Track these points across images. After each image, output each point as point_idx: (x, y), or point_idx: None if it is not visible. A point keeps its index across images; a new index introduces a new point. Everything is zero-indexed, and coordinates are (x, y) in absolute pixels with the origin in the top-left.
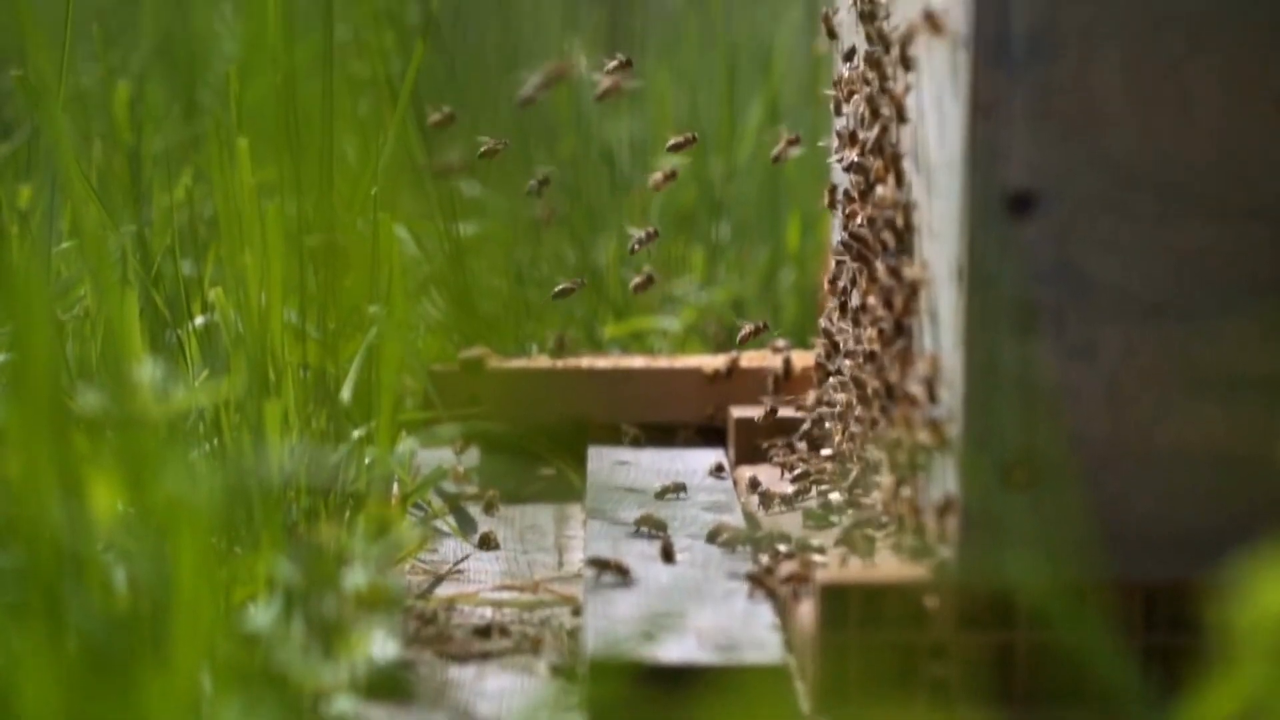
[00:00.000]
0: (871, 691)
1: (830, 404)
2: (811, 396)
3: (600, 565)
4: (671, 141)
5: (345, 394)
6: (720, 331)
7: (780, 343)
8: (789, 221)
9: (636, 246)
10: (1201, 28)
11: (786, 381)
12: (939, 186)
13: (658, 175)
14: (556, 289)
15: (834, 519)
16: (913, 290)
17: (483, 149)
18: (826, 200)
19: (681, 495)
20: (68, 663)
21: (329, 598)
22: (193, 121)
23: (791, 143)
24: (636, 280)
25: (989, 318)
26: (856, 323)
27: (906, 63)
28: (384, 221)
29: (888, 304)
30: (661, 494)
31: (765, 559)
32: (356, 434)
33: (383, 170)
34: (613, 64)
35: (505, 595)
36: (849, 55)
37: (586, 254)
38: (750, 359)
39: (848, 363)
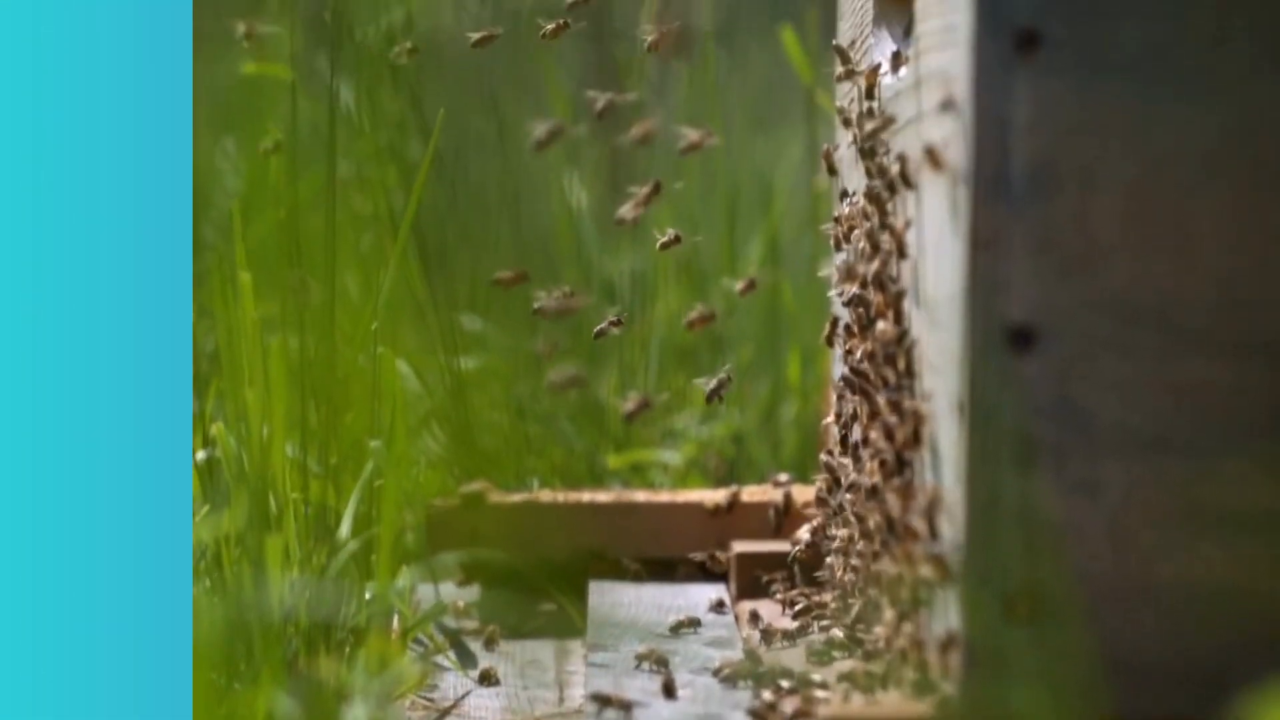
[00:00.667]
0: None
1: (831, 538)
2: (810, 529)
3: (602, 701)
4: (660, 241)
5: (345, 529)
6: (721, 465)
7: (782, 477)
8: (789, 355)
9: (718, 398)
10: (1203, 165)
11: (787, 516)
12: (939, 321)
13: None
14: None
15: (836, 654)
16: (914, 423)
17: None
18: (827, 335)
19: (695, 630)
20: None
21: None
22: (195, 256)
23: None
24: (629, 406)
25: (990, 452)
26: (857, 457)
27: (908, 182)
28: (385, 356)
29: (889, 437)
30: (676, 629)
31: (767, 695)
32: (351, 546)
33: (384, 305)
34: (645, 190)
35: None
36: (848, 191)
37: (587, 388)
38: (752, 494)
39: (849, 497)
